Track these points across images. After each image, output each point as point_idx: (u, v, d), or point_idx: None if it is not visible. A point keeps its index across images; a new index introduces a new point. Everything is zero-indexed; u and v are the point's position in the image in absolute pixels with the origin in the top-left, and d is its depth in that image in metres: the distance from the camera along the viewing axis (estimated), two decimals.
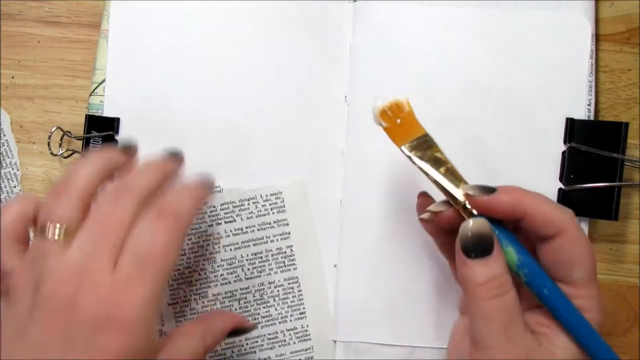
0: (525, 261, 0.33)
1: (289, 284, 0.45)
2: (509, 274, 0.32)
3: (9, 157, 0.47)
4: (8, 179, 0.46)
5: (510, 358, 0.31)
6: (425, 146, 0.35)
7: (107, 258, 0.33)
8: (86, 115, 0.46)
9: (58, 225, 0.33)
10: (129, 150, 0.39)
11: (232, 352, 0.45)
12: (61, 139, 0.46)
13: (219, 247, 0.45)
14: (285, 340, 0.45)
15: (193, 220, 0.42)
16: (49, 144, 0.45)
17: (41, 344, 0.32)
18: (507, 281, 0.32)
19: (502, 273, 0.32)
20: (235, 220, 0.45)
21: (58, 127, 0.45)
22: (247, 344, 0.45)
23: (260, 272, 0.45)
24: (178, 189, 0.36)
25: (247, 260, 0.45)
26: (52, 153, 0.45)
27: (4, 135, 0.47)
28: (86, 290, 0.32)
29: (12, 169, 0.47)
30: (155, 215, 0.34)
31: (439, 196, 0.35)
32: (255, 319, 0.45)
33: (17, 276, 0.34)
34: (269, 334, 0.45)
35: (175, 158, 0.39)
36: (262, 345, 0.45)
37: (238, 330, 0.40)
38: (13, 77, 0.47)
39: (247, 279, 0.45)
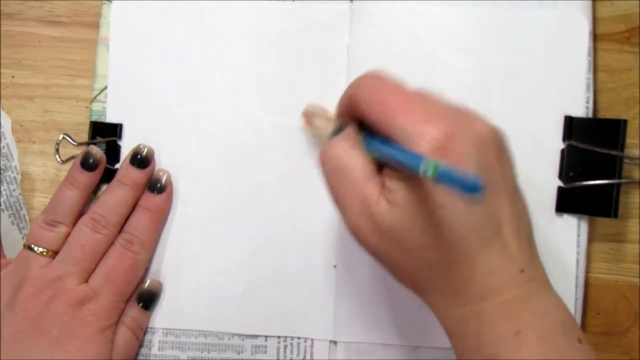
0: (370, 141, 0.36)
1: None
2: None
3: (9, 160, 0.47)
4: (8, 182, 0.47)
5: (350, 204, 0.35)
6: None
7: (80, 275, 0.42)
8: (90, 122, 0.46)
9: (42, 247, 0.42)
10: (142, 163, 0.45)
11: None
12: (57, 143, 0.46)
13: None
14: None
15: (158, 235, 0.46)
16: (57, 150, 0.46)
17: (17, 333, 0.40)
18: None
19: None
20: None
21: (65, 135, 0.45)
22: None
23: None
24: (141, 213, 0.44)
25: None
26: (61, 161, 0.46)
27: (5, 138, 0.47)
28: (59, 295, 0.41)
29: (13, 172, 0.47)
30: (123, 242, 0.43)
31: None
32: None
33: (2, 274, 0.42)
34: None
35: (146, 166, 0.45)
36: None
37: (145, 296, 0.45)
38: (13, 77, 0.47)
39: None
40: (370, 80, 0.35)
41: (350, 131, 0.37)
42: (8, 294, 0.41)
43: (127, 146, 0.46)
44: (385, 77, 0.35)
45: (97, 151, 0.44)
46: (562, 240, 0.44)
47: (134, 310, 0.44)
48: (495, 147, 0.33)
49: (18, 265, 0.42)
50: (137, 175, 0.44)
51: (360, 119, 0.36)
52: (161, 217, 0.45)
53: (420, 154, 0.31)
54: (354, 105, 0.36)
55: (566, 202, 0.44)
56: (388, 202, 0.33)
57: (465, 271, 0.32)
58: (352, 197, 0.34)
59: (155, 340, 0.45)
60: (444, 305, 0.34)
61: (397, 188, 0.33)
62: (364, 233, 0.34)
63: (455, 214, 0.31)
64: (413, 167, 0.30)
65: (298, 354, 0.45)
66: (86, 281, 0.42)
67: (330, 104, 0.45)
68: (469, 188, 0.28)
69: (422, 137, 0.31)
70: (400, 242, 0.33)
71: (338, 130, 0.37)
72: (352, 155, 0.35)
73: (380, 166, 0.35)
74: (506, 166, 0.34)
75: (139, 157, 0.44)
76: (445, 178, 0.28)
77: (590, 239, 0.45)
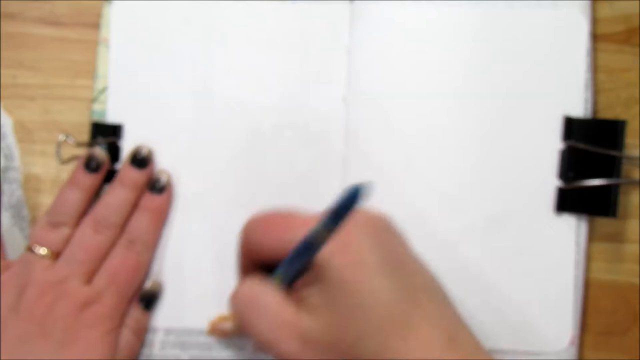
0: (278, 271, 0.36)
1: None
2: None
3: (10, 161, 0.47)
4: (9, 183, 0.47)
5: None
6: None
7: (83, 277, 0.41)
8: (91, 122, 0.46)
9: (46, 248, 0.42)
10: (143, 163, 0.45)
11: None
12: (58, 144, 0.46)
13: None
14: None
15: (159, 235, 0.46)
16: (58, 150, 0.46)
17: (21, 335, 0.39)
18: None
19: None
20: None
21: (66, 136, 0.46)
22: None
23: None
24: (142, 213, 0.44)
25: None
26: (62, 161, 0.46)
27: (6, 138, 0.47)
28: (63, 297, 0.40)
29: (14, 172, 0.47)
30: (126, 242, 0.43)
31: None
32: None
33: (5, 277, 0.41)
34: None
35: (146, 166, 0.45)
36: None
37: (147, 297, 0.45)
38: (14, 77, 0.47)
39: None
40: (252, 223, 0.37)
41: (254, 275, 0.37)
42: (11, 297, 0.41)
43: (127, 146, 0.46)
44: (260, 216, 0.37)
45: (100, 153, 0.44)
46: (562, 240, 0.44)
47: (136, 312, 0.44)
48: (384, 227, 0.35)
49: (21, 267, 0.42)
50: (137, 176, 0.44)
51: (260, 264, 0.37)
52: (162, 217, 0.45)
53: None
54: (250, 251, 0.37)
55: (566, 202, 0.44)
56: (308, 311, 0.33)
57: (401, 351, 0.32)
58: (275, 325, 0.34)
59: (156, 339, 0.45)
60: None
61: (311, 292, 0.33)
62: (300, 356, 0.33)
63: (371, 295, 0.32)
64: (309, 241, 0.32)
65: None
66: (89, 282, 0.42)
67: (329, 105, 0.46)
68: (356, 196, 0.29)
69: None
70: (335, 346, 0.33)
71: None
72: (261, 287, 0.36)
73: (289, 287, 0.36)
74: (402, 240, 0.36)
75: (138, 157, 0.45)
76: (339, 214, 0.30)
77: (590, 239, 0.45)
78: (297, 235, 0.33)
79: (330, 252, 0.33)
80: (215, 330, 0.44)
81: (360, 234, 0.34)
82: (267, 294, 0.35)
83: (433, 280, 0.35)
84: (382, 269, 0.33)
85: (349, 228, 0.33)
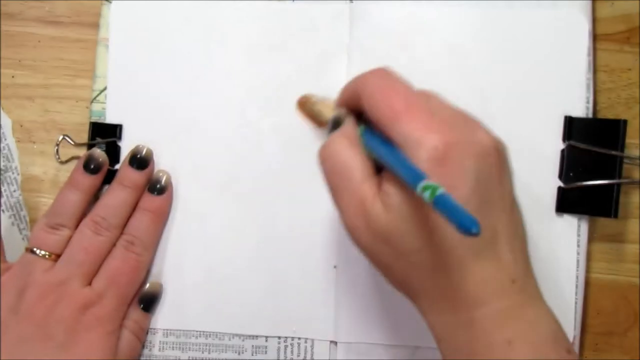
0: (369, 138, 0.36)
1: None
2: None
3: (9, 161, 0.47)
4: (8, 183, 0.47)
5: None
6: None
7: (83, 278, 0.42)
8: (90, 122, 0.46)
9: (46, 250, 0.42)
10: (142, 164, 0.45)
11: None
12: (57, 144, 0.46)
13: None
14: None
15: (159, 236, 0.46)
16: (57, 150, 0.46)
17: (21, 336, 0.39)
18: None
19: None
20: None
21: (64, 136, 0.46)
22: None
23: None
24: (142, 214, 0.44)
25: None
26: (61, 161, 0.46)
27: (5, 139, 0.47)
28: (63, 298, 0.40)
29: (13, 173, 0.47)
30: (125, 243, 0.43)
31: None
32: None
33: (5, 279, 0.41)
34: None
35: (145, 167, 0.45)
36: None
37: (147, 298, 0.45)
38: (13, 77, 0.47)
39: None
40: (377, 79, 0.35)
41: (349, 127, 0.37)
42: (12, 298, 0.41)
43: (127, 147, 0.46)
44: (392, 77, 0.35)
45: (100, 154, 0.44)
46: (563, 240, 0.44)
47: (136, 313, 0.44)
48: (496, 158, 0.33)
49: (21, 269, 0.42)
50: (137, 177, 0.44)
51: (361, 112, 0.36)
52: (162, 218, 0.45)
53: (420, 171, 0.31)
54: (358, 99, 0.36)
55: (566, 202, 0.44)
56: (383, 204, 0.33)
57: (457, 278, 0.32)
58: (349, 196, 0.34)
59: (156, 340, 0.45)
60: (434, 311, 0.34)
61: (393, 192, 0.33)
62: (359, 233, 0.34)
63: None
64: (411, 184, 0.30)
65: (298, 355, 0.45)
66: (89, 284, 0.42)
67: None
68: (464, 226, 0.27)
69: (421, 145, 0.31)
70: (393, 245, 0.33)
71: (336, 122, 0.37)
72: (350, 155, 0.35)
73: (379, 166, 0.35)
74: (505, 178, 0.34)
75: (138, 157, 0.44)
76: (442, 206, 0.28)
77: (591, 239, 0.45)
78: (411, 135, 0.32)
79: (429, 165, 0.31)
80: (303, 107, 0.44)
81: (467, 156, 0.32)
82: (355, 165, 0.35)
83: (517, 225, 0.35)
84: (469, 200, 0.31)
85: (460, 146, 0.32)
